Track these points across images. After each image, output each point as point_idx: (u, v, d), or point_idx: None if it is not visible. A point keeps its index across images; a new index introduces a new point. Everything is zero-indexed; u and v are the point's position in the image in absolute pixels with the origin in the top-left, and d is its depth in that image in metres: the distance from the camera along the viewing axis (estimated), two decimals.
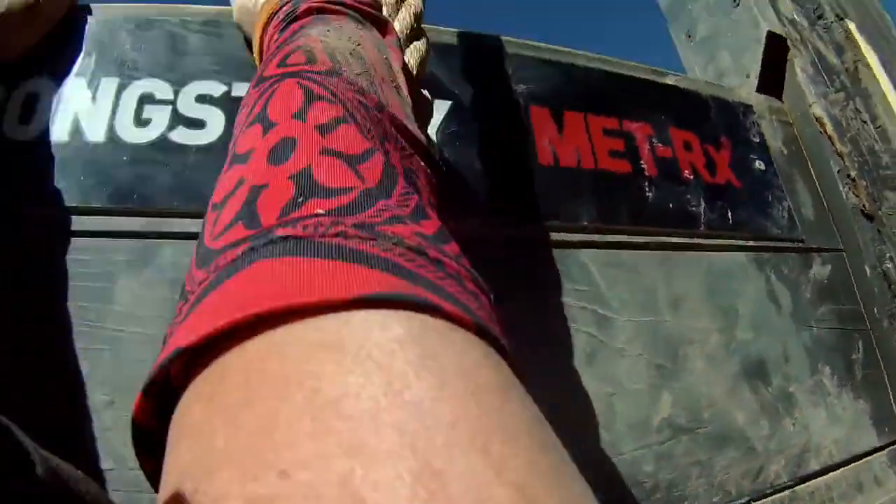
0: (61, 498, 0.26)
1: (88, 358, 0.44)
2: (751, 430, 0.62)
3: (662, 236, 0.66)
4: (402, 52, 0.47)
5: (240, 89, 0.56)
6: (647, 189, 0.67)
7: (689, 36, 0.95)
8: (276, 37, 0.41)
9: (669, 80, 0.76)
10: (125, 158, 0.52)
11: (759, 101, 0.84)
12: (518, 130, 0.63)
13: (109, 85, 0.55)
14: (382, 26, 0.44)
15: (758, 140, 0.80)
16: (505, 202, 0.59)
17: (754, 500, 0.60)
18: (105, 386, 0.43)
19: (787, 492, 0.61)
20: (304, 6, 0.42)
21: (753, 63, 0.85)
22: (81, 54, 0.56)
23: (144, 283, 0.47)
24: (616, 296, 0.61)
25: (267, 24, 0.44)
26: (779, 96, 0.87)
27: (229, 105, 0.55)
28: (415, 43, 0.48)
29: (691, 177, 0.71)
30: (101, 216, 0.49)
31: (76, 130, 0.52)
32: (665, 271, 0.65)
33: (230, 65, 0.57)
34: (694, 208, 0.69)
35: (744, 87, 0.86)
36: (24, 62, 0.55)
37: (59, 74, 0.55)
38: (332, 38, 0.36)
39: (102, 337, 0.45)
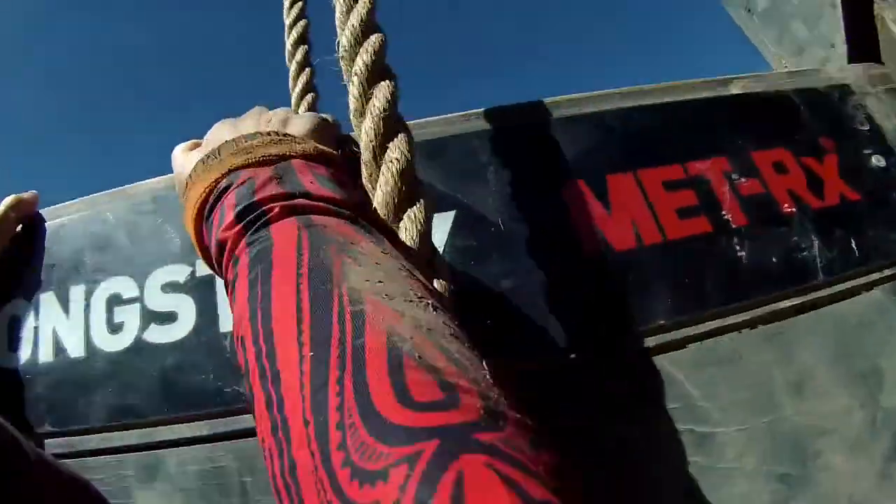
0: (52, 486, 0.29)
1: None
2: None
3: (768, 304, 0.49)
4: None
5: (204, 267, 0.51)
6: (737, 247, 0.51)
7: (749, 10, 0.75)
8: (244, 248, 0.31)
9: (736, 89, 0.58)
10: (107, 371, 0.51)
11: (856, 73, 0.64)
12: (549, 222, 0.49)
13: (77, 294, 0.54)
14: (384, 227, 0.36)
15: (867, 127, 0.61)
16: (548, 327, 0.46)
17: None
18: None
19: None
20: (271, 203, 0.32)
21: (834, 30, 0.66)
22: (44, 266, 0.57)
23: (160, 495, 0.47)
24: (715, 403, 0.46)
25: (199, 214, 0.36)
26: (878, 59, 0.68)
27: (196, 288, 0.52)
28: (410, 210, 0.36)
29: (793, 209, 0.54)
30: (102, 433, 0.50)
31: (59, 349, 0.53)
32: (778, 349, 0.49)
33: (189, 241, 0.47)
34: (805, 252, 0.52)
35: (833, 62, 0.67)
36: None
37: (31, 291, 0.56)
38: (401, 303, 0.26)
39: None
